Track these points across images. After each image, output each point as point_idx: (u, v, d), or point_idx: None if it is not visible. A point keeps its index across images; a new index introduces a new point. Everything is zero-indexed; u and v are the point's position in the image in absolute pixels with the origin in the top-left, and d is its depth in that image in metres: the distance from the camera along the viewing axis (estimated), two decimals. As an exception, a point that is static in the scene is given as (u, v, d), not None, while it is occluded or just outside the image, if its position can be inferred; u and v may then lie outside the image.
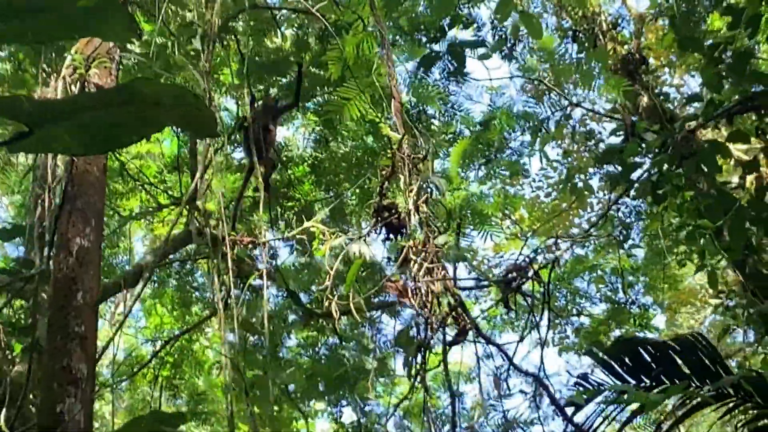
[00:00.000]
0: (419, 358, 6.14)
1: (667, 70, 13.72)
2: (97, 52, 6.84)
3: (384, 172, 6.19)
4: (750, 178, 7.63)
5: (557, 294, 12.87)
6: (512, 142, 12.27)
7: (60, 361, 5.73)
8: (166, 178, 12.83)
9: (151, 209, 12.71)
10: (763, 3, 5.97)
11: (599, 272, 13.17)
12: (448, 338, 6.34)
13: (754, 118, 7.28)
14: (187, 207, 8.54)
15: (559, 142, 13.75)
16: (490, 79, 9.87)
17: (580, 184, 11.17)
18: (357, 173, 11.88)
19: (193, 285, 13.29)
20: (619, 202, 8.40)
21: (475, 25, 9.33)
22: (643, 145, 6.89)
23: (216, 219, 8.75)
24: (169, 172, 12.63)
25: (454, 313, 6.06)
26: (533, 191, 14.18)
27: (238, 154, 12.10)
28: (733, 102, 6.38)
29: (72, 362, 5.73)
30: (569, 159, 13.51)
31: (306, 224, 6.90)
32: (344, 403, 13.21)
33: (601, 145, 12.50)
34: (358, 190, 11.85)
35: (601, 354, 7.35)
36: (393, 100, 6.28)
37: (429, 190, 6.03)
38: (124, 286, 9.42)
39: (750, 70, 6.26)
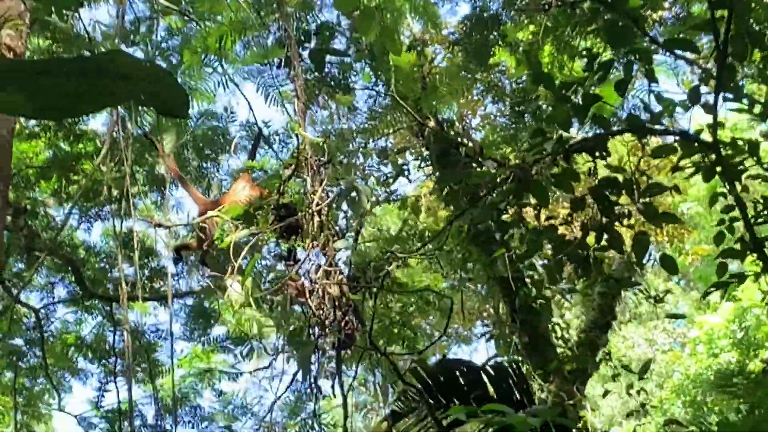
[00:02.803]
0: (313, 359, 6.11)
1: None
2: (9, 13, 6.20)
3: (287, 171, 6.09)
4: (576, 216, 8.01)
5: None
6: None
7: None
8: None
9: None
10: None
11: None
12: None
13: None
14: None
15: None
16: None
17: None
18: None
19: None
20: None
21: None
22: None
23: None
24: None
25: (347, 318, 6.05)
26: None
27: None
28: (574, 141, 6.68)
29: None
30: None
31: (210, 213, 6.66)
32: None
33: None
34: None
35: (422, 372, 7.60)
36: (297, 101, 6.19)
37: (345, 193, 5.97)
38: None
39: (593, 113, 6.57)
